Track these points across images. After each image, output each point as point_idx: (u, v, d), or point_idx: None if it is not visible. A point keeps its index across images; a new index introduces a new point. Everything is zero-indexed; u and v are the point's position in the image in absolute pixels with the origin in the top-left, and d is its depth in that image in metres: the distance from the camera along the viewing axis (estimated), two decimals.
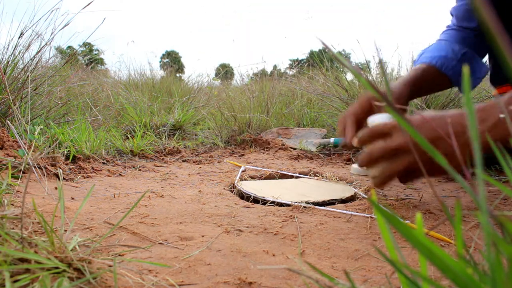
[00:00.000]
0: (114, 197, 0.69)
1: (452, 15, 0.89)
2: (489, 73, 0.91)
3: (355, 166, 1.03)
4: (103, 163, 1.02)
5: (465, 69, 0.19)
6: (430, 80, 0.81)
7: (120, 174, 0.93)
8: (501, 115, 0.47)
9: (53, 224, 0.48)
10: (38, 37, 1.15)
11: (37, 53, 1.16)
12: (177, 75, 4.42)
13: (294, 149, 1.36)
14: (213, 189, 0.81)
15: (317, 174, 0.99)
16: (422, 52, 0.87)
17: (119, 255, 0.43)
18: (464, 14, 0.84)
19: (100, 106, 1.84)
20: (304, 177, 0.96)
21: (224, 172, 1.00)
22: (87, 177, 0.86)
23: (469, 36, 0.85)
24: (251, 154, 1.29)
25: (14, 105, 0.98)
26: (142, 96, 2.13)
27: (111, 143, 1.19)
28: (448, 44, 0.84)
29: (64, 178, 0.80)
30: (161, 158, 1.18)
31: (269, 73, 3.24)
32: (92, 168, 0.93)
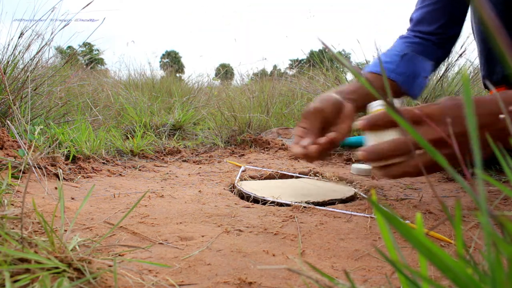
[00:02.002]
0: (114, 197, 0.69)
1: (411, 19, 0.87)
2: (481, 75, 0.91)
3: (355, 166, 1.03)
4: (103, 163, 1.02)
5: (465, 73, 0.19)
6: (374, 87, 0.80)
7: (120, 174, 0.93)
8: (501, 116, 0.47)
9: (53, 224, 0.48)
10: (38, 37, 1.15)
11: (37, 53, 1.16)
12: (177, 75, 4.42)
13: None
14: (213, 189, 0.81)
15: (317, 174, 0.99)
16: (368, 66, 0.86)
17: (119, 255, 0.43)
18: (425, 16, 0.83)
19: (100, 106, 1.84)
20: (304, 177, 0.96)
21: (224, 172, 1.00)
22: (87, 177, 0.86)
23: (420, 44, 0.83)
24: (251, 154, 1.29)
25: (14, 105, 0.98)
26: (142, 96, 2.14)
27: (111, 143, 1.19)
28: (389, 53, 0.82)
29: (64, 178, 0.80)
30: (161, 158, 1.18)
31: (269, 73, 3.24)
32: (92, 168, 0.93)
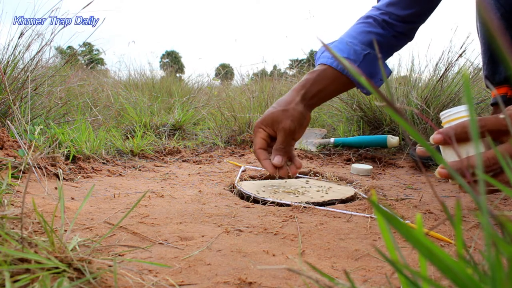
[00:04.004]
0: (114, 197, 0.69)
1: None
2: (483, 74, 0.91)
3: (355, 166, 1.03)
4: (103, 163, 1.02)
5: (465, 73, 0.18)
6: (329, 83, 0.77)
7: (120, 174, 0.93)
8: (501, 115, 0.47)
9: (53, 224, 0.48)
10: (38, 37, 1.15)
11: (37, 53, 1.16)
12: (177, 75, 4.42)
13: (294, 149, 1.36)
14: (213, 189, 0.81)
15: (317, 174, 0.99)
16: (323, 50, 0.82)
17: (119, 255, 0.43)
18: (402, 1, 0.79)
19: (100, 106, 1.84)
20: (304, 177, 0.96)
21: (224, 172, 1.00)
22: (87, 177, 0.86)
23: (382, 35, 0.80)
24: (251, 154, 1.29)
25: (14, 105, 0.98)
26: (142, 96, 2.13)
27: (111, 143, 1.19)
28: (351, 46, 0.78)
29: (64, 178, 0.80)
30: (161, 158, 1.18)
31: (269, 73, 3.24)
32: (92, 168, 0.93)
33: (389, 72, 0.87)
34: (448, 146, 0.50)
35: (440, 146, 0.52)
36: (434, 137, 0.49)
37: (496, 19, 0.14)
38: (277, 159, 0.74)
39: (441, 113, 0.54)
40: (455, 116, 0.51)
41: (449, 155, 0.51)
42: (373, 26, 0.81)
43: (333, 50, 0.87)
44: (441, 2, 0.80)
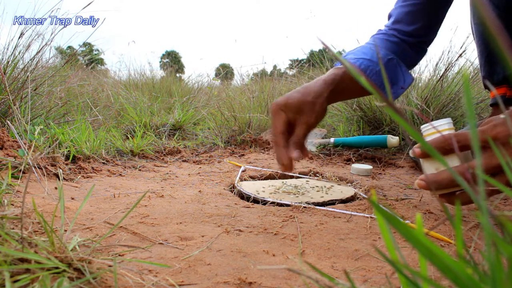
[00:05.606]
0: (114, 197, 0.69)
1: (390, 16, 0.85)
2: (481, 75, 0.91)
3: (355, 166, 1.03)
4: (103, 163, 1.02)
5: (465, 73, 0.19)
6: (352, 82, 0.74)
7: (120, 174, 0.93)
8: (501, 116, 0.47)
9: (53, 224, 0.48)
10: (38, 37, 1.15)
11: (37, 53, 1.16)
12: (177, 75, 4.42)
13: None
14: (213, 189, 0.81)
15: (317, 174, 0.99)
16: (346, 54, 0.82)
17: (119, 255, 0.43)
18: (404, 17, 0.81)
19: (100, 106, 1.84)
20: (304, 177, 0.96)
21: (224, 172, 1.00)
22: (87, 177, 0.86)
23: (399, 44, 0.81)
24: (251, 154, 1.29)
25: (14, 105, 0.98)
26: (142, 96, 2.13)
27: (111, 143, 1.19)
28: (374, 49, 0.79)
29: (64, 178, 0.80)
30: (161, 158, 1.18)
31: (269, 73, 3.24)
32: (92, 168, 0.93)
33: (411, 80, 0.84)
34: (427, 159, 0.52)
35: (420, 159, 0.54)
36: (414, 150, 0.51)
37: (495, 18, 0.14)
38: (297, 153, 0.68)
39: (421, 126, 0.56)
40: (436, 129, 0.53)
41: (427, 167, 0.53)
42: (387, 35, 0.83)
43: (356, 53, 0.85)
44: (447, 13, 0.81)
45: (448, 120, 0.54)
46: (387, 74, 0.78)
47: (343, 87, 0.73)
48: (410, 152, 0.52)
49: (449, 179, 0.48)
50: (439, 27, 0.83)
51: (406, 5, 0.82)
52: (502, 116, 0.46)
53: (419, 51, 0.85)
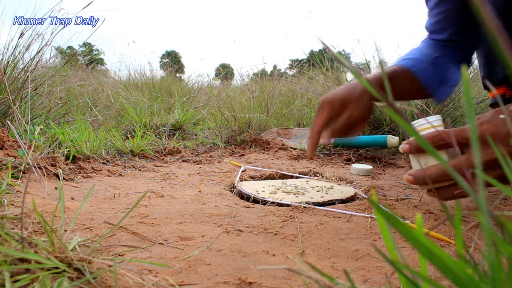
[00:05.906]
0: (114, 197, 0.69)
1: (426, 28, 0.87)
2: (480, 75, 0.91)
3: (355, 166, 1.03)
4: (103, 163, 1.02)
5: (463, 70, 0.19)
6: (400, 82, 0.75)
7: (120, 174, 0.93)
8: (502, 116, 0.47)
9: (53, 224, 0.48)
10: (38, 37, 1.15)
11: (37, 53, 1.16)
12: (177, 75, 4.42)
13: (294, 149, 1.36)
14: (213, 189, 0.81)
15: (317, 174, 0.99)
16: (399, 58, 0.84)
17: (119, 255, 0.43)
18: (435, 26, 0.83)
19: (100, 106, 1.84)
20: (304, 177, 0.96)
21: (224, 172, 1.00)
22: (87, 177, 0.86)
23: (442, 47, 0.82)
24: (251, 154, 1.29)
25: (14, 105, 0.98)
26: (142, 96, 2.14)
27: (111, 143, 1.19)
28: (420, 49, 0.80)
29: (64, 178, 0.80)
30: (161, 158, 1.18)
31: (269, 73, 3.24)
32: (92, 168, 0.93)
33: (459, 78, 0.84)
34: (415, 154, 0.54)
35: (410, 155, 0.56)
36: (403, 146, 0.53)
37: (495, 18, 0.14)
38: (324, 139, 0.70)
39: (412, 123, 0.57)
40: (425, 126, 0.55)
41: (415, 163, 0.55)
42: (430, 41, 0.83)
43: (403, 57, 0.84)
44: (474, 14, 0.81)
45: (438, 117, 0.56)
46: (433, 72, 0.78)
47: (392, 86, 0.73)
48: (400, 148, 0.53)
49: (436, 174, 0.49)
50: (476, 31, 0.82)
51: (434, 15, 0.83)
52: (502, 116, 0.46)
53: (462, 54, 0.84)
